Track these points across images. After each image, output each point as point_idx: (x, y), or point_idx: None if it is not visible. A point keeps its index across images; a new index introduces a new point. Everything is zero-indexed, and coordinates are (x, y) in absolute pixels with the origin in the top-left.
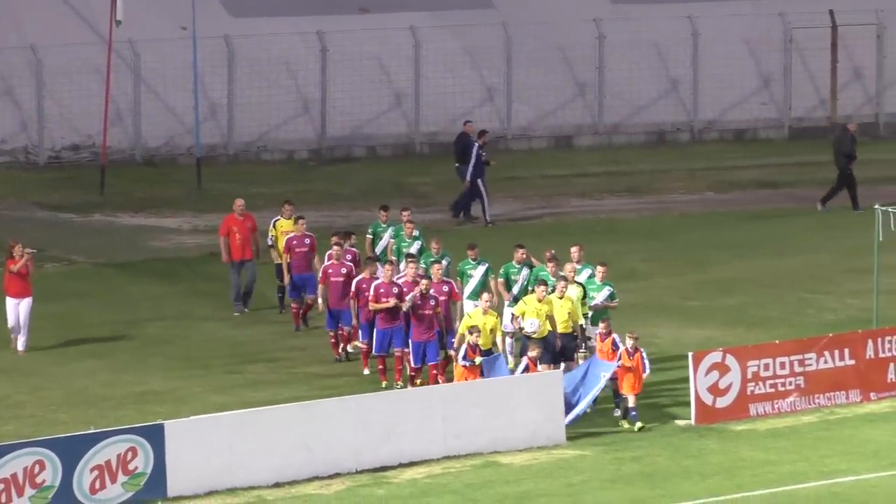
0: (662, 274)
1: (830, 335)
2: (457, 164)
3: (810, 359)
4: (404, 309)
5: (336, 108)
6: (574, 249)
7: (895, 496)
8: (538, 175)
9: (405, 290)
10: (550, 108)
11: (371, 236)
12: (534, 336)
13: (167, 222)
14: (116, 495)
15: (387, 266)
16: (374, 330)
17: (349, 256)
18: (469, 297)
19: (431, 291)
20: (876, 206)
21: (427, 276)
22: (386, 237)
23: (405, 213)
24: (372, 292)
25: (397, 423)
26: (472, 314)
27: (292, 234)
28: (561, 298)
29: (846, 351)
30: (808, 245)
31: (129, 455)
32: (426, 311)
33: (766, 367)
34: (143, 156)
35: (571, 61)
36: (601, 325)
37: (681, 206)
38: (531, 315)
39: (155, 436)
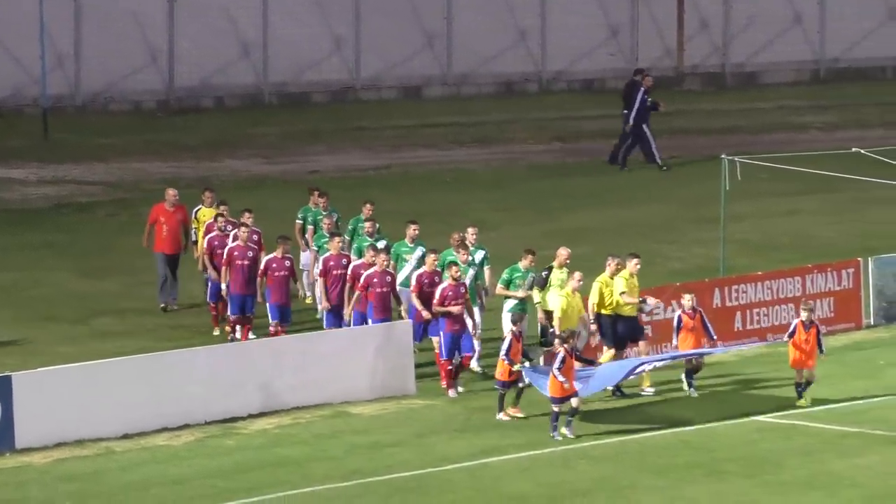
0: (511, 223)
1: (677, 284)
2: (624, 111)
3: (657, 308)
4: (435, 313)
5: (183, 58)
6: (471, 230)
7: (739, 443)
8: (387, 126)
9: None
10: (399, 58)
11: (300, 222)
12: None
13: (13, 173)
14: None
15: (381, 256)
16: (370, 320)
17: (255, 237)
18: (402, 284)
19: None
20: (723, 156)
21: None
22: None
23: (322, 200)
24: (362, 281)
25: (246, 373)
26: (567, 294)
27: (216, 234)
28: (573, 293)
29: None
30: (655, 195)
31: None
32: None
33: None
34: None
35: (420, 11)
36: (687, 300)
37: (529, 157)
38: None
39: (2, 388)
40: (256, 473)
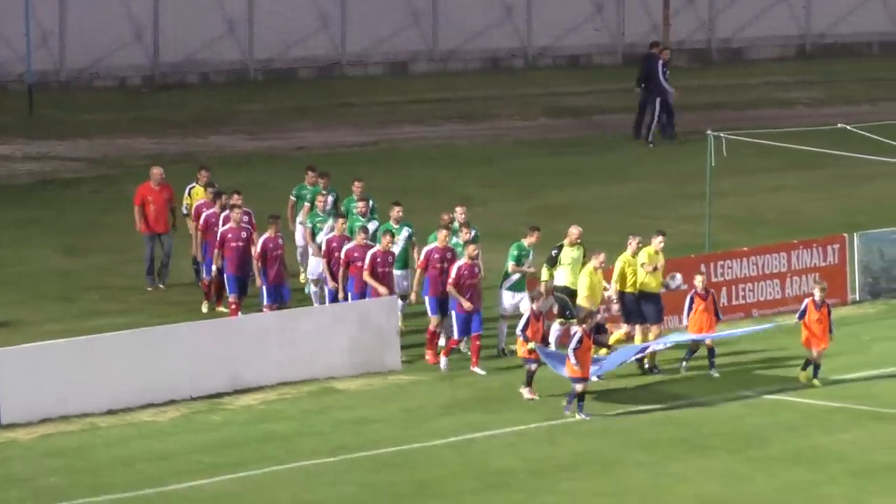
0: (498, 200)
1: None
2: (640, 87)
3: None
4: (450, 292)
5: (169, 34)
6: (459, 210)
7: (725, 419)
8: (373, 102)
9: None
10: (386, 34)
11: (295, 199)
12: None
13: None
14: None
15: (386, 237)
16: (369, 297)
17: (246, 218)
18: (394, 266)
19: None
20: (708, 132)
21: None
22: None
23: (322, 180)
24: (368, 261)
25: (232, 349)
26: (590, 273)
27: (212, 212)
28: (595, 271)
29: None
30: (642, 171)
31: None
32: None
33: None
34: None
35: None
36: (699, 281)
37: (515, 133)
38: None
39: None
40: (242, 449)
